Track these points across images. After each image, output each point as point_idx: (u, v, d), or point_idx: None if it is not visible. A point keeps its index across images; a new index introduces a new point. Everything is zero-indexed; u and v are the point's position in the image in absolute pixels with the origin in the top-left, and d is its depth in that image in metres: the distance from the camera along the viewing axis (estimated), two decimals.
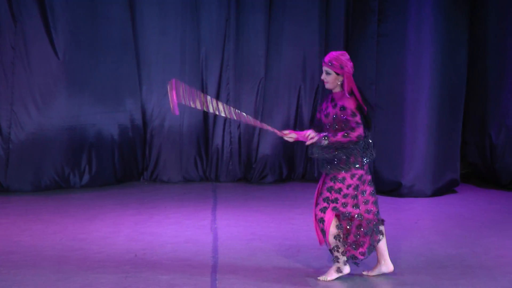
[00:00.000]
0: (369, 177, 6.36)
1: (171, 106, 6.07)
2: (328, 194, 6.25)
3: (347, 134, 6.16)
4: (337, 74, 6.21)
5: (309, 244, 7.33)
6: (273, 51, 10.62)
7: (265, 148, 10.67)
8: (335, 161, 6.24)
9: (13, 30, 9.90)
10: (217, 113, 6.23)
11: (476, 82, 10.44)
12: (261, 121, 6.86)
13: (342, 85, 6.24)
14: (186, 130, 10.66)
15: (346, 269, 6.35)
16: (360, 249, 6.31)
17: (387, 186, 9.88)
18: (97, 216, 8.59)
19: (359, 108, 6.19)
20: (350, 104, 6.18)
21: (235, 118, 6.37)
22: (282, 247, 7.33)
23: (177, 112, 6.12)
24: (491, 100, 10.36)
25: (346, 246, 6.29)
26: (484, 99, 10.42)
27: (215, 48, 10.66)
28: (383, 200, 9.57)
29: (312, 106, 10.66)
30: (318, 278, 6.36)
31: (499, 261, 6.89)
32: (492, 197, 9.86)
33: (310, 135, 6.24)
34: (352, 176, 6.24)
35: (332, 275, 6.34)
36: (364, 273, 6.51)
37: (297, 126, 10.59)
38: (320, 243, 6.41)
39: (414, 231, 7.99)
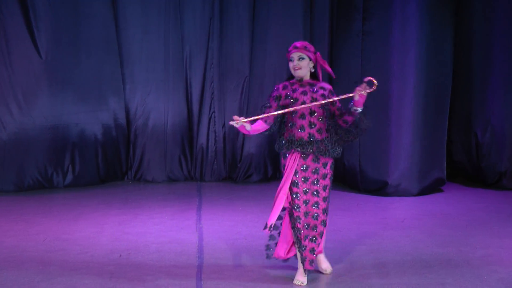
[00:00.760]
0: None
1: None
2: (325, 194, 6.18)
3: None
4: (310, 59, 6.18)
5: None
6: (258, 49, 10.59)
7: (250, 147, 10.65)
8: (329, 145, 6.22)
9: None
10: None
11: (462, 80, 10.44)
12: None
13: (311, 73, 6.22)
14: (170, 129, 10.62)
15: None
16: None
17: (373, 185, 9.85)
18: (81, 216, 8.53)
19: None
20: (329, 85, 6.23)
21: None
22: None
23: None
24: (476, 98, 10.36)
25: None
26: (470, 98, 10.42)
27: (199, 47, 10.63)
28: (369, 199, 9.57)
29: None
30: (294, 282, 6.23)
31: (486, 260, 6.89)
32: (478, 196, 9.85)
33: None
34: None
35: (304, 276, 6.24)
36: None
37: None
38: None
39: (400, 231, 7.96)
